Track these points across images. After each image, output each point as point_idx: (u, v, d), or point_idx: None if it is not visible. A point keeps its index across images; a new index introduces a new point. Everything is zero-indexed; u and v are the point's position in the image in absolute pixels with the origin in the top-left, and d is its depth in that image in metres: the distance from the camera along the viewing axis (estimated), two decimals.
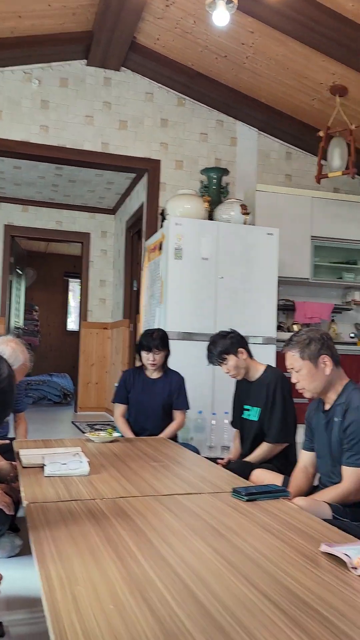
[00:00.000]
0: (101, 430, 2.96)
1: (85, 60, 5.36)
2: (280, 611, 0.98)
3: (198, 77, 5.32)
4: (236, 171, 5.74)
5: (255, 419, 2.91)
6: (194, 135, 5.69)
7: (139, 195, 6.15)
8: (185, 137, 5.66)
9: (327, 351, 2.19)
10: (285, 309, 5.66)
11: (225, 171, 5.36)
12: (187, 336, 4.45)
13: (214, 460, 2.74)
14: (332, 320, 5.82)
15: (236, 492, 1.73)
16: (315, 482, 2.35)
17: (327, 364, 2.17)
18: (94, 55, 5.21)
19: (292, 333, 2.34)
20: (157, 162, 5.56)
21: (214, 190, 5.25)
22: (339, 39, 4.22)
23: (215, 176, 5.29)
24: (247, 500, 1.69)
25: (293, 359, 2.20)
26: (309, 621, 0.95)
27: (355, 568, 1.17)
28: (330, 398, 2.21)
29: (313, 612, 0.99)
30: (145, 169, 5.60)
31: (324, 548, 1.28)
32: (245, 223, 4.84)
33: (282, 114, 5.58)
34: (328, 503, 2.02)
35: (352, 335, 5.81)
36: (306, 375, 2.17)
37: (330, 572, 1.18)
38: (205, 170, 5.37)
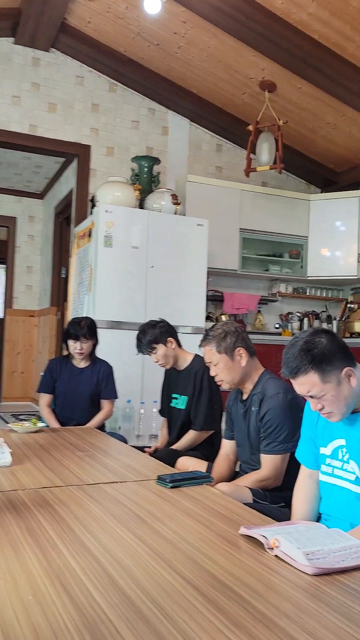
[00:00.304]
0: (25, 420, 2.90)
1: (13, 39, 5.16)
2: (200, 594, 1.01)
3: (130, 64, 5.26)
4: (167, 161, 5.75)
5: (183, 407, 2.95)
6: (126, 122, 5.63)
7: (69, 181, 6.03)
8: (116, 123, 5.59)
9: (242, 343, 2.25)
10: (214, 299, 5.75)
11: (156, 160, 5.35)
12: (116, 325, 4.43)
13: (141, 449, 2.76)
14: (259, 311, 5.98)
15: (161, 479, 1.75)
16: (237, 469, 2.42)
17: (242, 356, 2.24)
18: (22, 34, 5.02)
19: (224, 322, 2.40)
20: (87, 148, 5.46)
21: (145, 179, 5.24)
22: (269, 35, 4.30)
23: (146, 165, 5.27)
24: (172, 487, 1.71)
25: (210, 353, 2.26)
26: (227, 602, 0.98)
27: (272, 548, 1.22)
28: (247, 388, 2.28)
29: (231, 593, 1.02)
30: (75, 154, 5.49)
31: (242, 530, 1.32)
32: (175, 213, 4.86)
33: (213, 106, 5.62)
34: (249, 488, 2.08)
35: (277, 325, 6.00)
36: (223, 368, 2.23)
37: (248, 553, 1.22)
38: (137, 158, 5.34)
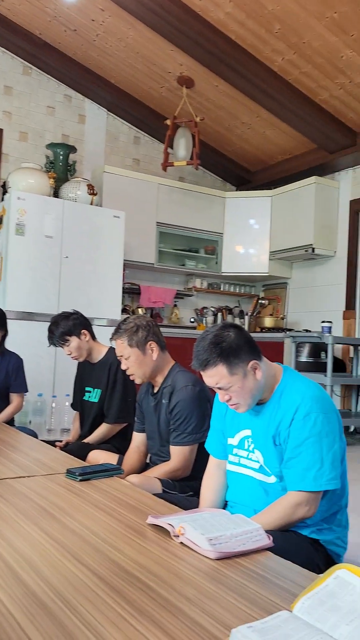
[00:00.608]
0: None
1: None
2: (105, 584, 1.02)
3: (45, 48, 5.12)
4: (84, 150, 5.66)
5: (96, 400, 2.94)
6: (41, 107, 5.47)
7: None
8: (30, 108, 5.42)
9: (153, 337, 2.28)
10: (131, 292, 5.75)
11: (72, 148, 5.25)
12: (28, 316, 4.31)
13: (52, 443, 2.72)
14: (175, 305, 6.05)
15: (70, 472, 1.74)
16: (148, 461, 2.45)
17: (154, 350, 2.26)
18: None
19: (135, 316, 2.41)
20: None
21: (61, 167, 5.13)
22: (187, 31, 4.34)
23: (62, 152, 5.16)
24: (81, 480, 1.71)
25: (122, 346, 2.26)
26: (131, 590, 1.00)
27: (177, 536, 1.25)
28: (158, 381, 2.32)
29: (136, 582, 1.04)
30: None
31: (150, 520, 1.35)
32: (92, 203, 4.81)
33: (131, 97, 5.60)
34: (159, 478, 2.12)
35: (192, 319, 6.10)
36: (134, 362, 2.25)
37: (155, 542, 1.25)
38: (52, 146, 5.22)
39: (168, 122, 5.17)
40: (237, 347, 1.64)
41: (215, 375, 1.64)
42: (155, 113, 5.72)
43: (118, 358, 2.31)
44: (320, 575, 0.96)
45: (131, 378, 2.32)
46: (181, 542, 1.24)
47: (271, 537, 1.29)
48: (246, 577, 1.09)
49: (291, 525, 1.62)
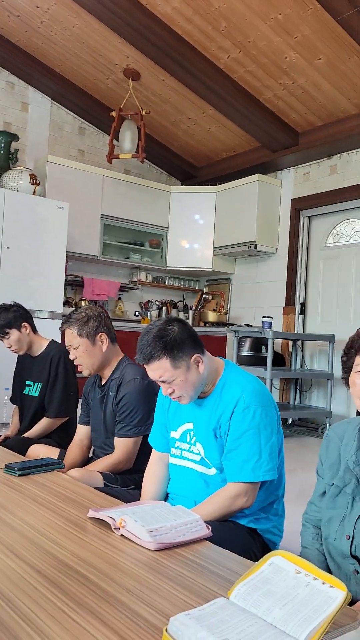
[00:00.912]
0: None
1: None
2: (44, 578, 1.02)
3: None
4: (27, 139, 5.53)
5: (36, 394, 2.89)
6: None
7: None
8: None
9: (104, 329, 2.27)
10: (74, 284, 5.68)
11: (14, 136, 5.12)
12: None
13: None
14: (119, 299, 6.02)
15: (9, 467, 1.71)
16: (92, 454, 2.44)
17: (104, 342, 2.26)
18: None
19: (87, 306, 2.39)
20: None
21: (2, 155, 4.99)
22: (133, 23, 4.31)
23: (3, 140, 5.02)
24: (20, 475, 1.68)
25: (71, 336, 2.24)
26: (71, 584, 1.00)
27: (118, 529, 1.26)
28: (106, 374, 2.31)
29: (75, 575, 1.04)
30: None
31: (91, 513, 1.35)
32: (34, 194, 4.71)
33: (76, 87, 5.51)
34: (101, 472, 2.12)
35: (136, 313, 6.09)
36: (83, 352, 2.24)
37: (95, 535, 1.26)
38: None
39: (113, 114, 5.13)
40: (181, 341, 1.66)
41: (158, 369, 1.66)
42: (101, 104, 5.65)
43: (67, 348, 2.28)
44: (256, 562, 1.00)
45: (79, 369, 2.30)
46: (122, 535, 1.25)
47: (210, 527, 1.33)
48: (185, 566, 1.12)
49: (230, 515, 1.67)
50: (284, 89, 4.78)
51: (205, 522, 1.53)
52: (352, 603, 1.33)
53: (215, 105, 5.15)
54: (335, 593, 0.87)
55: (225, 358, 1.88)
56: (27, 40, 4.98)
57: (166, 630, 0.83)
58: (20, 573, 1.04)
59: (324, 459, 1.51)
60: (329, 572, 1.44)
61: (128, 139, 5.10)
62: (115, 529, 1.27)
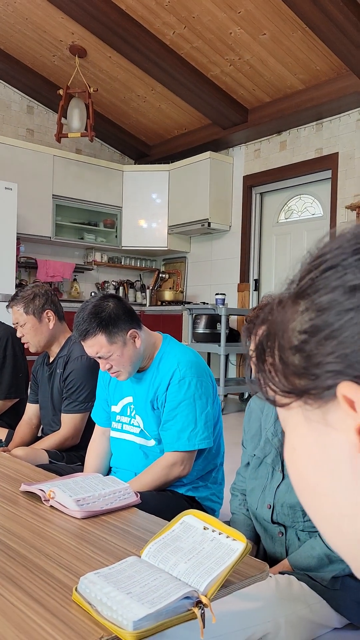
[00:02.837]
0: None
1: None
2: None
3: None
4: None
5: None
6: None
7: None
8: None
9: (51, 306, 2.29)
10: (28, 266, 5.62)
11: None
12: None
13: None
14: (75, 280, 5.99)
15: None
16: (40, 433, 2.47)
17: (51, 319, 2.28)
18: None
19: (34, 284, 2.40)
20: None
21: None
22: (77, 0, 4.21)
23: None
24: None
25: (18, 313, 2.26)
26: None
27: (48, 500, 1.30)
28: (54, 351, 2.34)
29: None
30: None
31: (23, 487, 1.38)
32: None
33: (23, 65, 5.38)
34: (47, 450, 2.15)
35: (93, 294, 6.07)
36: (30, 329, 2.25)
37: (25, 508, 1.29)
38: None
39: (61, 92, 5.04)
40: (116, 316, 1.70)
41: (95, 345, 1.69)
42: (49, 82, 5.54)
43: (14, 325, 2.29)
44: (169, 522, 1.05)
45: (25, 346, 2.32)
46: (51, 506, 1.29)
47: (139, 495, 1.38)
48: (108, 532, 1.17)
49: (168, 484, 1.73)
50: (230, 65, 4.78)
51: (144, 492, 1.59)
52: (275, 562, 1.41)
53: (163, 83, 5.12)
54: (236, 545, 0.93)
55: (174, 335, 1.92)
56: None
57: (76, 589, 0.88)
58: None
59: (247, 430, 1.58)
60: (257, 535, 1.52)
61: (76, 117, 5.03)
62: (45, 500, 1.31)
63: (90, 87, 4.99)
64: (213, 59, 4.75)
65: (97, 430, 1.98)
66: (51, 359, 2.35)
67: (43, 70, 5.43)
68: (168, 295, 6.09)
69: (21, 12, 4.62)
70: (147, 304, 6.17)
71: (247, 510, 1.53)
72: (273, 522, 1.41)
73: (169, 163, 6.08)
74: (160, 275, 6.49)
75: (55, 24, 4.69)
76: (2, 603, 0.86)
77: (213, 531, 0.98)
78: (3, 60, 5.30)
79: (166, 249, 6.11)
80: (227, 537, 0.96)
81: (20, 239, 5.18)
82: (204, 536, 0.98)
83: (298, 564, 1.32)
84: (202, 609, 0.84)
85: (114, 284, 6.26)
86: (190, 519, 1.03)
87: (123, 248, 6.12)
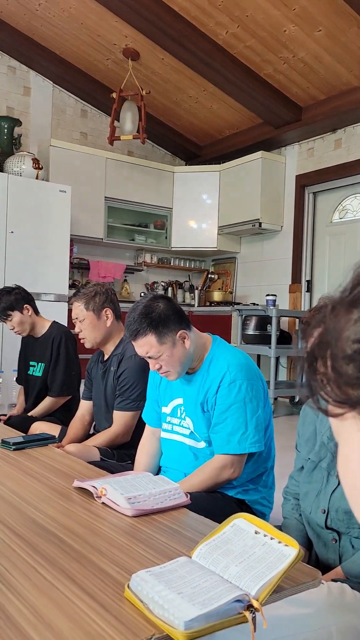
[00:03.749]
0: None
1: None
2: (21, 540, 1.08)
3: None
4: (30, 123, 5.55)
5: (40, 374, 2.97)
6: None
7: None
8: None
9: (110, 305, 2.35)
10: (80, 267, 5.74)
11: (17, 121, 5.15)
12: None
13: None
14: (125, 280, 6.07)
15: (5, 442, 1.79)
16: (93, 430, 2.52)
17: (109, 317, 2.33)
18: None
19: (96, 283, 2.47)
20: None
21: (5, 141, 5.03)
22: (130, 2, 4.27)
23: (6, 125, 5.06)
24: (15, 449, 1.76)
25: (78, 309, 2.33)
26: (46, 545, 1.07)
27: (100, 497, 1.32)
28: (109, 349, 2.38)
29: (52, 537, 1.11)
30: None
31: (76, 483, 1.41)
32: (37, 178, 4.74)
33: (77, 69, 5.50)
34: (99, 447, 2.19)
35: (142, 294, 6.13)
36: (88, 325, 2.32)
37: (78, 503, 1.32)
38: None
39: (114, 95, 5.12)
40: (166, 317, 1.71)
41: (145, 345, 1.71)
42: (103, 86, 5.64)
43: (73, 321, 2.36)
44: (220, 524, 1.05)
45: (82, 342, 2.37)
46: (103, 503, 1.31)
47: (189, 496, 1.38)
48: (159, 531, 1.18)
49: (218, 486, 1.72)
50: (284, 63, 4.72)
51: (193, 492, 1.59)
52: (328, 569, 1.38)
53: (215, 83, 5.11)
54: (289, 551, 0.92)
55: (227, 337, 1.92)
56: (27, 23, 4.97)
57: (128, 585, 0.89)
58: (2, 538, 1.10)
59: (301, 434, 1.55)
60: (309, 541, 1.49)
61: (129, 120, 5.09)
62: (97, 497, 1.33)
63: (142, 90, 5.05)
64: (266, 58, 4.71)
65: (148, 430, 2.00)
66: (106, 357, 2.40)
67: (97, 74, 5.53)
68: (217, 296, 6.08)
69: (76, 17, 4.71)
70: (196, 305, 6.18)
71: (300, 515, 1.50)
72: (327, 528, 1.39)
73: (220, 163, 6.07)
74: (209, 275, 6.49)
75: (109, 27, 4.76)
76: (57, 596, 0.88)
77: (265, 535, 0.97)
78: (58, 66, 5.43)
79: (216, 249, 6.10)
80: (279, 542, 0.95)
81: (73, 241, 5.29)
82: (255, 540, 0.97)
83: (352, 571, 1.29)
84: (253, 613, 0.83)
85: (163, 284, 6.30)
86: (241, 522, 1.02)
87: (172, 249, 6.16)
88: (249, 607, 0.84)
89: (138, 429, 2.24)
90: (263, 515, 1.83)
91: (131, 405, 2.24)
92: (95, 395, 2.44)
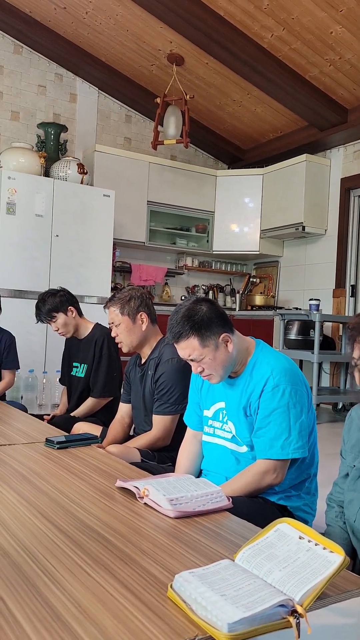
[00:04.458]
0: None
1: None
2: (67, 537, 1.10)
3: (36, 25, 5.09)
4: (75, 129, 5.66)
5: (82, 375, 3.01)
6: (32, 87, 5.46)
7: None
8: (22, 87, 5.41)
9: (145, 309, 2.36)
10: (122, 270, 5.80)
11: (63, 128, 5.26)
12: (19, 294, 4.38)
13: (40, 417, 2.80)
14: (166, 284, 6.10)
15: (49, 441, 1.82)
16: (132, 432, 2.54)
17: (144, 321, 2.34)
18: None
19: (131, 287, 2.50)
20: None
21: (52, 147, 5.14)
22: (175, 8, 4.31)
23: (53, 132, 5.17)
24: (58, 448, 1.79)
25: (114, 314, 2.35)
26: (91, 543, 1.08)
27: (142, 497, 1.33)
28: (145, 353, 2.39)
29: (96, 536, 1.12)
30: None
31: (118, 483, 1.43)
32: (82, 182, 4.83)
33: (122, 75, 5.58)
34: (139, 449, 2.20)
35: (183, 297, 6.15)
36: (124, 330, 2.33)
37: (121, 503, 1.34)
38: (43, 125, 5.23)
39: (158, 100, 5.16)
40: (209, 320, 1.70)
41: (187, 347, 1.71)
42: (147, 91, 5.70)
43: (109, 325, 2.38)
44: (263, 529, 1.04)
45: (119, 346, 2.40)
46: (145, 503, 1.32)
47: (231, 499, 1.38)
48: (201, 533, 1.18)
49: (260, 491, 1.70)
50: (330, 65, 4.67)
51: (235, 497, 1.58)
52: None
53: (260, 86, 5.09)
54: (334, 557, 0.90)
55: (269, 341, 1.90)
56: (74, 31, 5.08)
57: (171, 586, 0.89)
58: (45, 531, 1.12)
59: (347, 440, 1.52)
60: (354, 550, 1.46)
61: (172, 124, 5.13)
62: (139, 497, 1.35)
63: (186, 94, 5.08)
64: (312, 60, 4.66)
65: (189, 432, 2.00)
66: (143, 361, 2.41)
67: (141, 79, 5.59)
68: (259, 300, 6.04)
69: (122, 24, 4.79)
70: (237, 309, 6.15)
71: (344, 523, 1.48)
72: None
73: (263, 167, 6.04)
74: (251, 279, 6.45)
75: (154, 33, 4.81)
76: (101, 593, 0.89)
77: (309, 541, 0.96)
78: (104, 72, 5.52)
79: (258, 253, 6.06)
80: (324, 548, 0.93)
81: (116, 244, 5.36)
82: (300, 546, 0.96)
83: None
84: (298, 619, 0.82)
85: (204, 288, 6.30)
86: (285, 527, 1.01)
87: (214, 252, 6.15)
88: (293, 612, 0.83)
89: (179, 431, 2.25)
90: (305, 523, 1.79)
91: (170, 409, 2.24)
92: (134, 398, 2.46)
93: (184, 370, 2.28)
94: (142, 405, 2.36)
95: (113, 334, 2.37)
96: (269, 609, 0.81)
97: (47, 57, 5.47)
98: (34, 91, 5.47)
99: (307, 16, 4.18)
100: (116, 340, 2.38)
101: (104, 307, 2.43)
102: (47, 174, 4.84)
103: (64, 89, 5.62)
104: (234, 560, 0.98)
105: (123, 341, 2.35)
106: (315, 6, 4.07)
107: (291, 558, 0.94)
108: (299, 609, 0.83)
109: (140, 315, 2.33)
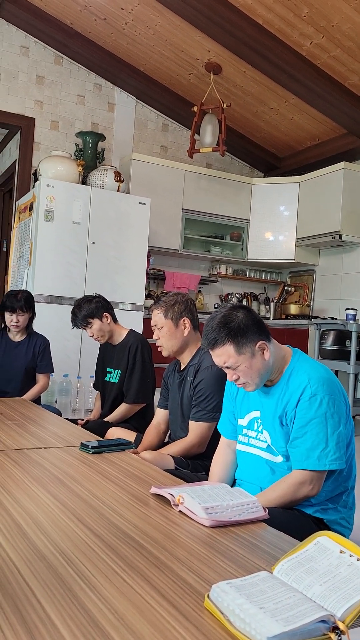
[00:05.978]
0: None
1: None
2: (102, 542, 1.10)
3: (76, 37, 5.18)
4: (113, 138, 5.73)
5: (116, 381, 3.02)
6: (71, 96, 5.56)
7: (12, 153, 5.91)
8: (62, 97, 5.51)
9: (188, 315, 2.36)
10: (156, 278, 5.83)
11: (101, 136, 5.33)
12: (55, 299, 4.44)
13: (74, 421, 2.82)
14: (199, 291, 6.10)
15: (84, 445, 1.83)
16: (168, 439, 2.53)
17: (186, 326, 2.34)
18: None
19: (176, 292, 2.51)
20: (31, 120, 5.37)
21: (89, 155, 5.22)
22: (214, 17, 4.33)
23: (91, 140, 5.25)
24: (93, 453, 1.79)
25: (157, 317, 2.36)
26: (126, 549, 1.08)
27: (177, 505, 1.32)
28: (185, 359, 2.39)
29: (131, 542, 1.11)
30: (18, 126, 5.39)
31: (153, 490, 1.42)
32: (118, 190, 4.88)
33: (159, 84, 5.63)
34: (173, 456, 2.19)
35: (216, 305, 6.13)
36: (166, 333, 2.34)
37: (155, 509, 1.33)
38: (81, 134, 5.31)
39: (195, 109, 5.18)
40: (245, 327, 1.68)
41: (223, 355, 1.70)
42: (184, 100, 5.73)
43: (152, 328, 2.39)
44: (302, 541, 1.02)
45: (159, 349, 2.40)
46: (180, 511, 1.31)
47: (267, 510, 1.35)
48: (237, 543, 1.16)
49: (295, 503, 1.67)
50: None
51: (270, 508, 1.55)
52: None
53: (298, 94, 5.06)
54: None
55: (303, 351, 1.87)
56: (113, 42, 5.15)
57: (208, 596, 0.88)
58: (81, 536, 1.12)
59: None
60: None
61: (209, 132, 5.14)
62: (174, 505, 1.33)
63: (223, 103, 5.08)
64: (351, 67, 4.61)
65: (223, 441, 1.98)
66: (182, 367, 2.41)
67: (178, 88, 5.63)
68: (294, 309, 5.97)
69: (161, 34, 4.83)
70: (271, 317, 6.10)
71: None
72: None
73: (299, 175, 5.99)
74: (285, 288, 6.39)
75: (192, 43, 4.84)
76: (137, 600, 0.88)
77: (350, 556, 0.93)
78: (142, 82, 5.58)
79: (293, 261, 6.00)
80: None
81: (150, 252, 5.38)
82: (341, 560, 0.93)
83: None
84: (339, 636, 0.80)
85: (238, 296, 6.27)
86: (325, 540, 0.99)
87: (248, 260, 6.12)
88: (335, 628, 0.80)
89: (213, 440, 2.23)
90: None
91: (207, 416, 2.23)
92: (171, 404, 2.45)
93: (223, 378, 2.25)
94: (180, 412, 2.35)
95: (154, 337, 2.38)
96: (310, 624, 0.79)
97: (86, 67, 5.57)
98: (73, 101, 5.57)
99: (348, 23, 4.14)
100: (157, 344, 2.38)
101: (149, 309, 2.44)
102: (84, 182, 4.90)
103: (102, 98, 5.71)
104: (272, 573, 0.96)
105: (164, 345, 2.35)
106: (356, 13, 4.02)
107: (332, 572, 0.91)
108: (341, 626, 0.81)
109: (183, 321, 2.33)
